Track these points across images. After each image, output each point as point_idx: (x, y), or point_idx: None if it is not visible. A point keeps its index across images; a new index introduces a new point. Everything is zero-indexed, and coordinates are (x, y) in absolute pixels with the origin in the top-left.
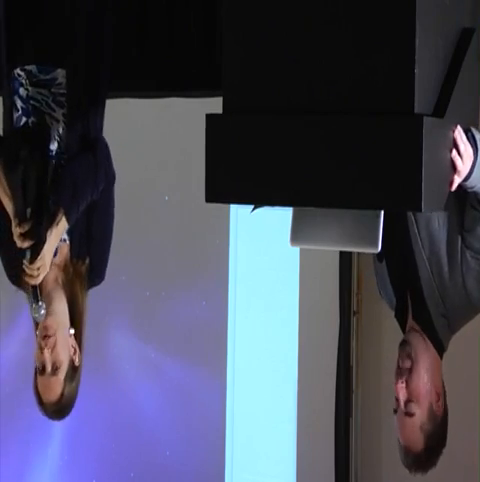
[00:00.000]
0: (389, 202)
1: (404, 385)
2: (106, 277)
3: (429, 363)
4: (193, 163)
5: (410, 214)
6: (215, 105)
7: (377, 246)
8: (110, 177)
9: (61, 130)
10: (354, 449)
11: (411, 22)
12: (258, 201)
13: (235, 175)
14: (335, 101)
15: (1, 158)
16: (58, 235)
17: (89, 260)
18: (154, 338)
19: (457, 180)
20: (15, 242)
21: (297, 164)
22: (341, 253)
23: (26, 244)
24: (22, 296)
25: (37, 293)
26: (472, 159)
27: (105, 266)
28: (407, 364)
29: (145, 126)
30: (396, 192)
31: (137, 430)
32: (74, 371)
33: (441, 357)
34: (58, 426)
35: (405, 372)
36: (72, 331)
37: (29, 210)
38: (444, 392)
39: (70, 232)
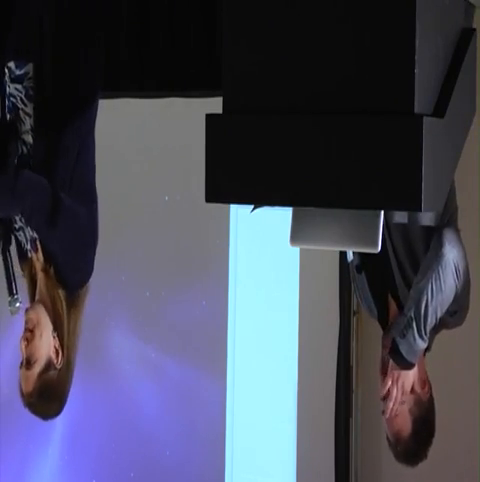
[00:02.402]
0: (389, 202)
1: (393, 381)
2: (106, 277)
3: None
4: (193, 163)
5: (383, 226)
6: (215, 105)
7: (377, 246)
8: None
9: (32, 124)
10: (354, 449)
11: (411, 22)
12: (258, 201)
13: (235, 175)
14: (335, 101)
15: None
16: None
17: (54, 265)
18: (154, 338)
19: None
20: None
21: (297, 164)
22: (341, 253)
23: None
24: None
25: (12, 286)
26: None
27: (82, 271)
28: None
29: (145, 126)
30: (396, 192)
31: (137, 430)
32: (53, 371)
33: (424, 355)
34: (58, 426)
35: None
36: (55, 333)
37: None
38: (429, 383)
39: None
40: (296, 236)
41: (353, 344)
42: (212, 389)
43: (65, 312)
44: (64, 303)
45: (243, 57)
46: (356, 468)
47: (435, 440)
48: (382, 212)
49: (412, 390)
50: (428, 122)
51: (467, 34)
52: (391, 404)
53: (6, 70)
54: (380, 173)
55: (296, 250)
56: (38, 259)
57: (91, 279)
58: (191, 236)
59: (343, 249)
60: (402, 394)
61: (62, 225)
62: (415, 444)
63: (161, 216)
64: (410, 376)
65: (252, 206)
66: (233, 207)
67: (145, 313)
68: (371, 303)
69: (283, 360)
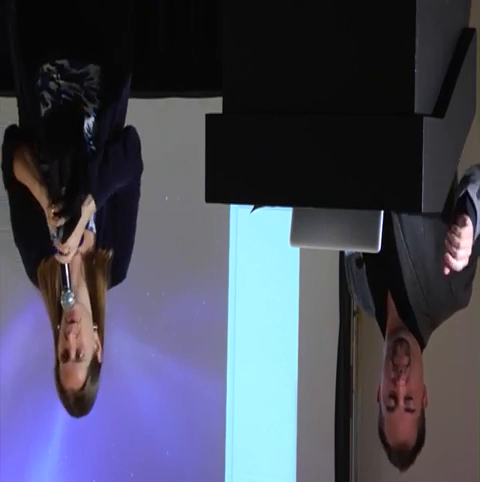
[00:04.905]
0: (389, 202)
1: (404, 382)
2: None
3: (420, 361)
4: (193, 163)
5: (396, 220)
6: (215, 105)
7: (377, 246)
8: (138, 168)
9: (91, 124)
10: (354, 449)
11: (411, 22)
12: (258, 201)
13: (235, 175)
14: (335, 101)
15: (31, 145)
16: (87, 215)
17: (113, 251)
18: (154, 338)
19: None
20: (34, 236)
21: (297, 164)
22: (341, 253)
23: (60, 222)
24: (24, 295)
25: (66, 280)
26: (472, 235)
27: (127, 263)
28: (405, 361)
29: (145, 126)
30: (396, 192)
31: (137, 430)
32: (97, 367)
33: (421, 352)
34: (58, 426)
35: (404, 369)
36: (95, 326)
37: (64, 189)
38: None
39: (96, 221)
40: (296, 236)
41: (353, 344)
42: (212, 389)
43: (106, 306)
44: (105, 295)
45: (243, 57)
46: (356, 468)
47: (436, 440)
48: (382, 212)
49: (419, 397)
50: (428, 122)
51: (467, 34)
52: (396, 407)
53: (52, 67)
54: (380, 173)
55: (296, 250)
56: (79, 250)
57: None
58: (191, 236)
59: (343, 249)
60: (410, 399)
61: (127, 210)
62: (414, 453)
63: (161, 216)
64: (420, 384)
65: (252, 206)
66: (233, 207)
67: (145, 313)
68: (369, 299)
69: (283, 360)
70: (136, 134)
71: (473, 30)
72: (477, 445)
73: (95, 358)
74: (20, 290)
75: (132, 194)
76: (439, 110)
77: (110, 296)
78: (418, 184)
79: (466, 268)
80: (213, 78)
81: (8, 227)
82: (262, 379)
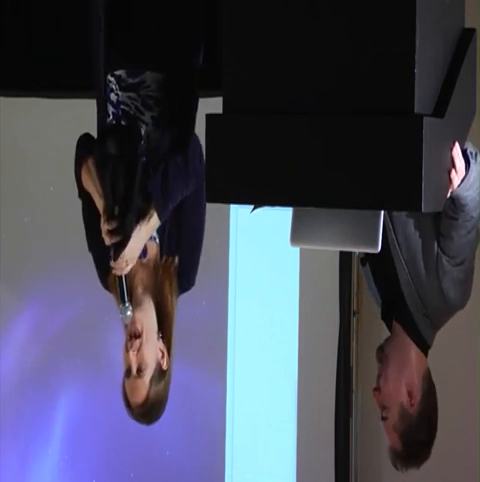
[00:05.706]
0: (389, 202)
1: (377, 393)
2: None
3: (402, 365)
4: None
5: (387, 220)
6: (215, 105)
7: (377, 246)
8: (199, 178)
9: (150, 132)
10: (354, 449)
11: (411, 22)
12: (258, 201)
13: (235, 175)
14: (335, 101)
15: (95, 156)
16: (149, 230)
17: (178, 259)
18: None
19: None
20: (104, 244)
21: (297, 164)
22: (341, 253)
23: (113, 241)
24: (23, 296)
25: (124, 293)
26: (463, 173)
27: (195, 269)
28: (378, 370)
29: None
30: (396, 192)
31: (137, 430)
32: (161, 375)
33: (426, 354)
34: (58, 426)
35: (376, 379)
36: (160, 335)
37: (117, 208)
38: (429, 388)
39: (160, 230)
40: (296, 236)
41: (353, 344)
42: (212, 389)
43: (175, 312)
44: (174, 302)
45: (243, 57)
46: (356, 468)
47: (436, 440)
48: (382, 212)
49: (395, 403)
50: (428, 122)
51: (467, 34)
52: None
53: (112, 78)
54: (380, 173)
55: (296, 250)
56: (142, 262)
57: (91, 278)
58: None
59: (343, 249)
60: (384, 408)
61: (192, 217)
62: (410, 454)
63: None
64: (395, 388)
65: (252, 206)
66: (233, 207)
67: None
68: (377, 295)
69: (283, 360)
70: (199, 143)
71: (473, 30)
72: (477, 445)
73: (159, 367)
74: (19, 291)
75: (197, 202)
76: (439, 110)
77: (110, 296)
78: (418, 184)
79: (456, 265)
80: (213, 78)
81: (6, 228)
82: (262, 379)
